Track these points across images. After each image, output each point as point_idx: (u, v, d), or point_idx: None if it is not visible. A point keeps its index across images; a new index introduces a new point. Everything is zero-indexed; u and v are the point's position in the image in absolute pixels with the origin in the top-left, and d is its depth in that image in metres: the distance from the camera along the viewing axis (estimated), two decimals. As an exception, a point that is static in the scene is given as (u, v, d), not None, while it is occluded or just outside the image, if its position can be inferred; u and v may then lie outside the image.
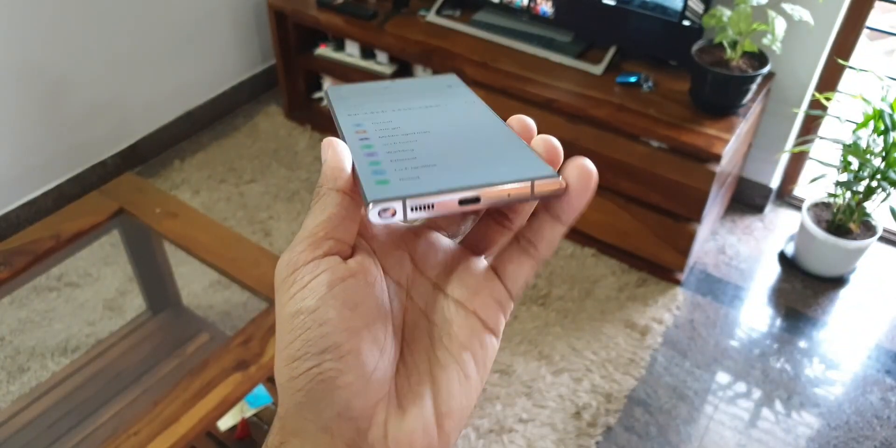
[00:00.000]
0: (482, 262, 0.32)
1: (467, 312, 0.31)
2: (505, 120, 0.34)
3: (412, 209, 0.27)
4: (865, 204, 1.85)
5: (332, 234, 0.29)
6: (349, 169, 0.29)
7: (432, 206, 0.28)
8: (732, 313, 1.91)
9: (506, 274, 0.31)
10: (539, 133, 0.32)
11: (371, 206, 0.27)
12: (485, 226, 0.33)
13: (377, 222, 0.27)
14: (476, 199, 0.28)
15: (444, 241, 0.33)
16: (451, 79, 0.39)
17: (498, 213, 0.32)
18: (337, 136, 0.34)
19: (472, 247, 0.33)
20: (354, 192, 0.29)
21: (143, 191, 1.53)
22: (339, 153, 0.30)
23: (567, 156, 0.31)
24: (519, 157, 0.30)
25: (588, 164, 0.29)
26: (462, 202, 0.28)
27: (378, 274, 0.30)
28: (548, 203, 0.30)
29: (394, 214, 0.27)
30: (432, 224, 0.33)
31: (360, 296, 0.29)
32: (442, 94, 0.37)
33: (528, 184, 0.28)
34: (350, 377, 0.27)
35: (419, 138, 0.32)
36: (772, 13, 1.62)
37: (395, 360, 0.30)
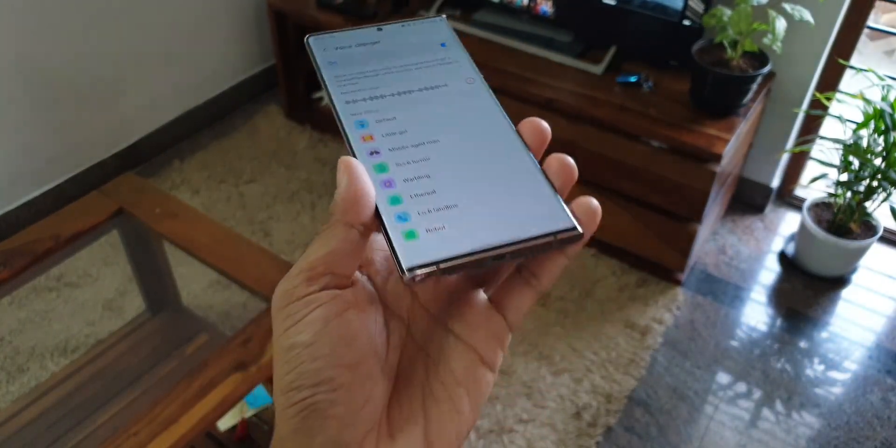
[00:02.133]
0: (482, 296, 0.32)
1: (466, 347, 0.31)
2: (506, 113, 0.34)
3: (443, 272, 0.28)
4: (866, 204, 1.85)
5: (332, 269, 0.29)
6: (365, 204, 0.29)
7: (463, 267, 0.28)
8: (733, 313, 1.91)
9: (507, 306, 0.31)
10: None
11: (407, 274, 0.27)
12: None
13: (410, 285, 0.28)
14: (503, 257, 0.29)
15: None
16: (442, 30, 0.38)
17: None
18: (322, 86, 0.34)
19: (474, 279, 0.33)
20: (367, 221, 0.29)
21: (142, 191, 1.52)
22: (355, 182, 0.29)
23: (570, 155, 0.31)
24: (541, 202, 0.30)
25: (594, 204, 0.30)
26: (492, 260, 0.29)
27: (376, 307, 0.31)
28: None
29: (426, 277, 0.28)
30: None
31: (355, 330, 0.29)
32: (439, 62, 0.36)
33: (553, 238, 0.29)
34: (341, 409, 0.28)
35: (432, 154, 0.31)
36: (772, 13, 1.62)
37: (388, 392, 0.30)
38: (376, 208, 0.29)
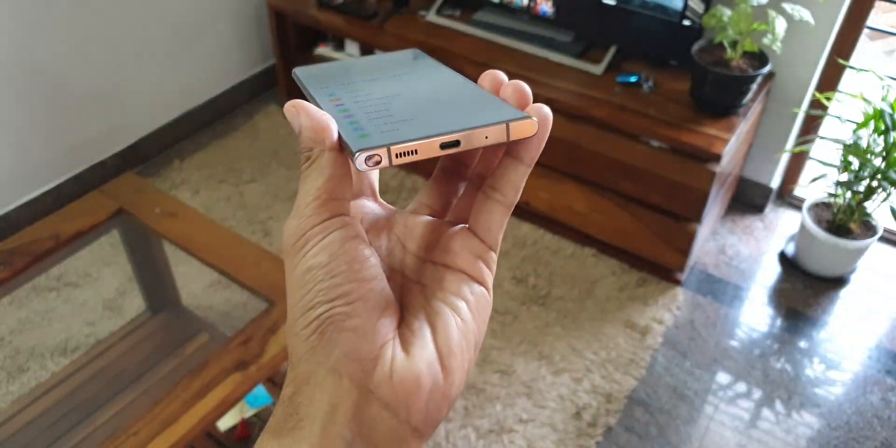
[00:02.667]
0: (456, 227, 0.34)
1: (453, 271, 0.33)
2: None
3: (397, 155, 0.29)
4: (866, 204, 1.85)
5: (336, 194, 0.30)
6: (334, 127, 0.30)
7: (416, 152, 0.29)
8: (733, 313, 1.91)
9: (479, 226, 0.33)
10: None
11: (358, 154, 0.28)
12: (465, 200, 0.35)
13: (364, 169, 0.29)
14: (456, 143, 0.30)
15: (422, 219, 0.35)
16: (416, 52, 0.40)
17: (477, 181, 0.35)
18: (307, 97, 0.35)
19: (441, 204, 0.36)
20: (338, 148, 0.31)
21: (142, 191, 1.53)
22: (314, 114, 0.30)
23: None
24: (492, 105, 0.32)
25: (545, 108, 0.31)
26: (443, 146, 0.30)
27: (382, 232, 0.34)
28: (510, 148, 0.31)
29: (380, 161, 0.29)
30: (421, 207, 0.36)
31: (367, 253, 0.30)
32: (409, 65, 0.38)
33: (504, 126, 0.30)
34: (357, 320, 0.29)
35: (393, 100, 0.33)
36: (772, 13, 1.62)
37: (398, 310, 0.32)
38: (339, 136, 0.31)
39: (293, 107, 0.30)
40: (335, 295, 0.29)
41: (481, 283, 0.33)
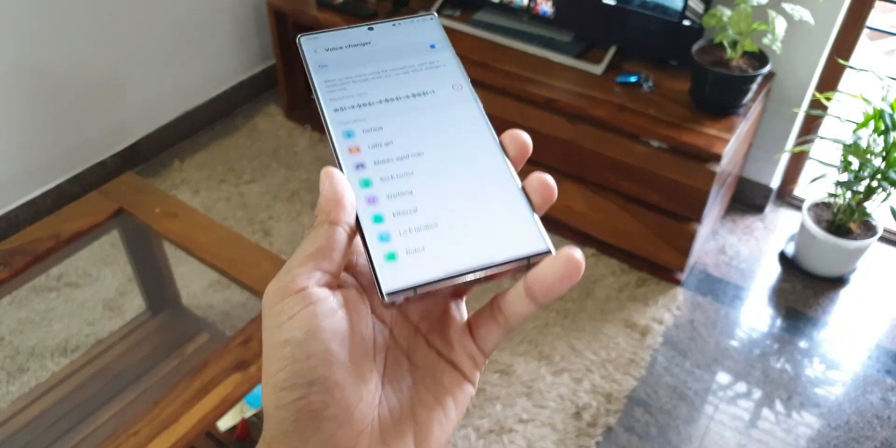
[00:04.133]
0: (460, 316, 0.33)
1: (447, 362, 0.32)
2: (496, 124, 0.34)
3: (421, 295, 0.30)
4: (866, 204, 1.85)
5: (322, 267, 0.30)
6: (346, 204, 0.30)
7: (438, 290, 0.30)
8: (733, 313, 1.91)
9: (478, 336, 0.32)
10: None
11: (386, 298, 0.29)
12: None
13: (387, 306, 0.30)
14: (478, 280, 0.30)
15: None
16: (433, 29, 0.38)
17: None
18: (312, 90, 0.35)
19: (453, 290, 0.34)
20: (350, 221, 0.30)
21: (142, 191, 1.52)
22: (336, 186, 0.30)
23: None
24: (518, 223, 0.31)
25: (578, 255, 0.29)
26: (466, 282, 0.30)
27: (365, 308, 0.31)
28: (530, 285, 0.30)
29: (405, 299, 0.30)
30: None
31: (348, 329, 0.29)
32: (427, 66, 0.36)
33: (526, 261, 0.30)
34: (336, 409, 0.28)
35: (416, 168, 0.32)
36: (772, 13, 1.62)
37: (379, 394, 0.31)
38: (360, 225, 0.31)
39: (325, 174, 0.31)
40: (311, 378, 0.27)
41: (471, 382, 0.32)
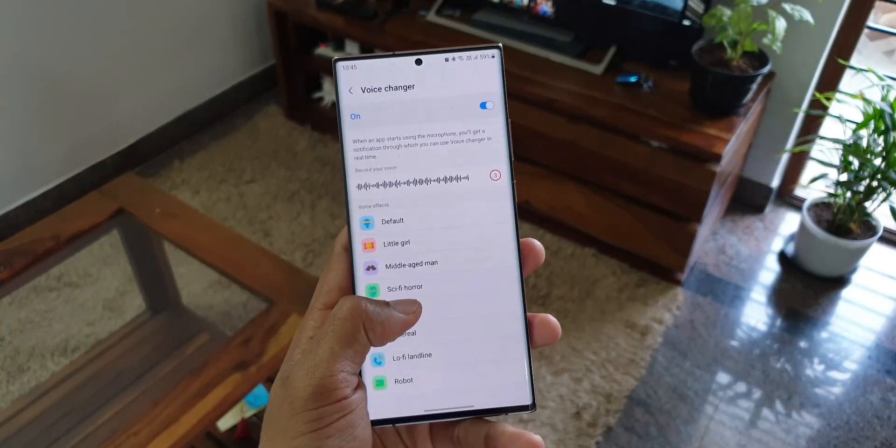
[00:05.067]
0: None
1: None
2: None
3: (403, 427, 0.31)
4: (866, 204, 1.85)
5: (355, 369, 0.30)
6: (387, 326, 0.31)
7: (418, 426, 0.31)
8: (733, 313, 1.91)
9: (437, 444, 0.33)
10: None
11: (374, 425, 0.31)
12: None
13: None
14: (457, 421, 0.31)
15: None
16: (491, 73, 0.32)
17: None
18: (339, 136, 0.32)
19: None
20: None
21: (142, 191, 1.52)
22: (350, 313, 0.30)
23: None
24: (510, 374, 0.31)
25: (537, 438, 0.30)
26: (444, 419, 0.31)
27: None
28: (493, 439, 0.31)
29: (387, 425, 0.31)
30: None
31: (370, 434, 0.31)
32: (471, 138, 0.32)
33: (506, 411, 0.31)
34: None
35: (426, 281, 0.31)
36: (772, 13, 1.62)
37: None
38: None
39: (353, 311, 0.30)
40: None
41: None
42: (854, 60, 1.88)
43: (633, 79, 1.86)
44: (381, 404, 0.30)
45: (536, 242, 0.32)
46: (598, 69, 1.90)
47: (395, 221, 0.31)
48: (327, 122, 2.42)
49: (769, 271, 2.04)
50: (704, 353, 1.80)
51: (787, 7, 1.63)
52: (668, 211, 1.84)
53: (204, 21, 2.32)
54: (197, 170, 2.31)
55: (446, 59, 0.32)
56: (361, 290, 0.31)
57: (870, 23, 1.84)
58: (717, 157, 1.66)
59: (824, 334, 1.87)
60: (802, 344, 1.84)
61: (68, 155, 2.12)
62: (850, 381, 1.76)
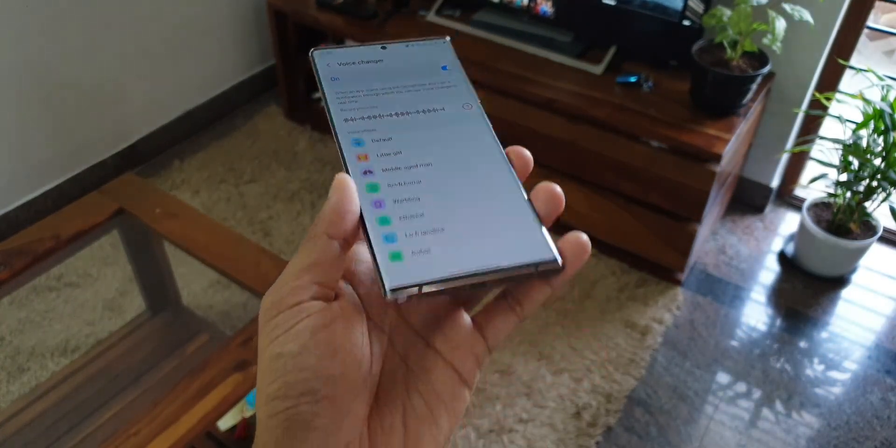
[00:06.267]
0: (465, 316, 0.33)
1: (446, 364, 0.32)
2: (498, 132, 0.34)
3: (425, 294, 0.29)
4: (866, 204, 1.85)
5: (317, 279, 0.30)
6: (349, 220, 0.30)
7: (443, 291, 0.29)
8: (732, 313, 1.91)
9: (489, 328, 0.32)
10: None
11: (389, 294, 0.29)
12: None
13: (390, 299, 0.29)
14: (484, 284, 0.30)
15: None
16: (445, 52, 0.38)
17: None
18: (322, 101, 0.35)
19: (458, 299, 0.34)
20: (349, 236, 0.30)
21: (143, 191, 1.52)
22: (344, 199, 0.30)
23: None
24: (525, 232, 0.31)
25: (584, 239, 0.30)
26: (472, 286, 0.30)
27: (361, 319, 0.31)
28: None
29: (408, 298, 0.29)
30: None
31: (341, 342, 0.29)
32: (439, 85, 0.37)
33: (534, 268, 0.30)
34: (324, 420, 0.29)
35: (424, 177, 0.32)
36: (772, 13, 1.62)
37: (369, 404, 0.31)
38: (365, 227, 0.30)
39: (337, 184, 0.30)
40: (302, 390, 0.28)
41: (468, 385, 0.32)
42: (854, 60, 1.89)
43: (633, 79, 1.86)
44: (401, 272, 0.29)
45: (518, 147, 0.34)
46: (597, 69, 1.90)
47: (384, 139, 0.34)
48: (327, 123, 2.42)
49: (769, 271, 2.04)
50: (704, 353, 1.80)
51: (786, 7, 1.63)
52: (668, 211, 1.84)
53: (204, 21, 2.32)
54: (197, 170, 2.31)
55: (406, 46, 0.38)
56: (362, 189, 0.31)
57: (870, 23, 1.84)
58: (717, 157, 1.66)
59: (824, 334, 1.87)
60: (802, 344, 1.84)
61: (68, 155, 2.12)
62: (849, 381, 1.76)
